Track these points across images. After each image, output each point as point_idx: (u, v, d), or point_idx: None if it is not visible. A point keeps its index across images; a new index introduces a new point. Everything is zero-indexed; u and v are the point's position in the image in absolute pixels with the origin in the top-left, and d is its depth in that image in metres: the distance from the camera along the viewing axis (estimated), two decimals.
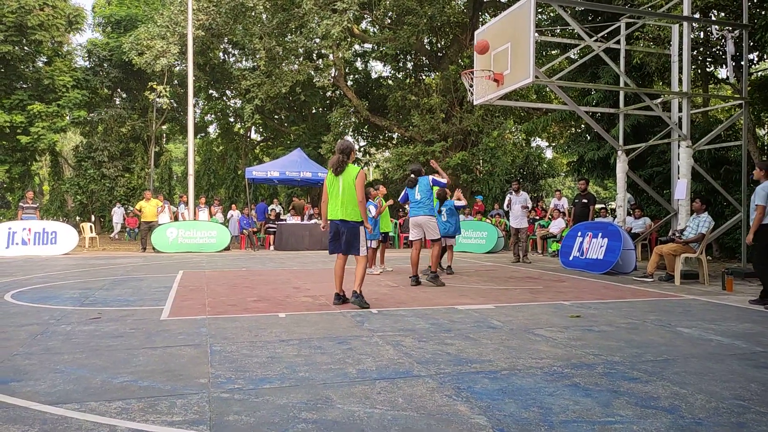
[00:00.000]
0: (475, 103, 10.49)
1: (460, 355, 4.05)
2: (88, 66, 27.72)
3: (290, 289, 7.55)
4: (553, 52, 17.97)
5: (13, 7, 22.99)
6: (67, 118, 26.36)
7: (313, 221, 17.38)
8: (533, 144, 27.61)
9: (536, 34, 8.80)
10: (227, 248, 15.71)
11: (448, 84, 21.32)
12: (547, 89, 21.66)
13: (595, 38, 10.98)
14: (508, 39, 9.12)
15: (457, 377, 3.50)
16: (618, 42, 11.19)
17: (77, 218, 26.37)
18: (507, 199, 12.83)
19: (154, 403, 3.02)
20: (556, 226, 14.50)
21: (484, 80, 9.73)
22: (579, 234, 10.67)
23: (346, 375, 3.54)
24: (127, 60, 23.19)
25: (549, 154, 30.74)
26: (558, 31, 14.21)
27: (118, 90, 29.91)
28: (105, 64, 27.38)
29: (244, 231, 16.98)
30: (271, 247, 16.62)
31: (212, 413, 2.87)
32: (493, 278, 8.96)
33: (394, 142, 27.85)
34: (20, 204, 15.74)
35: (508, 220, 13.37)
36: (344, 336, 4.64)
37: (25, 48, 24.83)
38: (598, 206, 13.49)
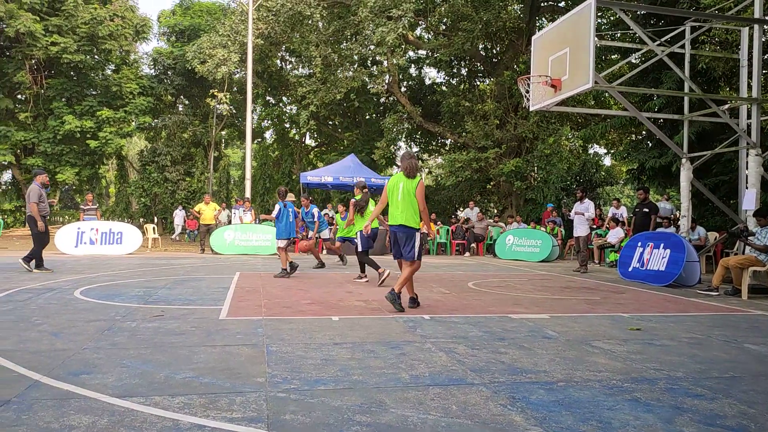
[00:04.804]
0: (531, 109, 10.34)
1: (514, 364, 3.99)
2: (154, 74, 28.98)
3: (343, 293, 7.63)
4: (613, 56, 17.51)
5: (86, 19, 24.30)
6: (133, 123, 27.59)
7: None
8: (591, 151, 26.91)
9: (596, 39, 8.58)
10: None
11: (502, 90, 21.09)
12: (606, 95, 21.11)
13: (657, 42, 10.64)
14: (567, 44, 8.97)
15: (512, 387, 3.45)
16: (682, 46, 10.79)
17: (141, 219, 27.52)
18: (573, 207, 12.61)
19: (215, 399, 3.12)
20: (615, 235, 14.07)
21: (540, 86, 9.59)
22: (639, 244, 10.32)
23: (399, 380, 3.55)
24: (190, 68, 24.10)
25: (607, 161, 29.89)
26: (618, 35, 13.82)
27: (181, 97, 31.12)
28: (169, 72, 28.54)
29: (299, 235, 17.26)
30: (324, 251, 16.81)
31: (269, 411, 2.94)
32: (548, 287, 8.78)
33: (447, 149, 27.76)
34: (81, 207, 16.49)
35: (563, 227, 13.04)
36: (397, 341, 4.66)
37: (96, 57, 26.18)
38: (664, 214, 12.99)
